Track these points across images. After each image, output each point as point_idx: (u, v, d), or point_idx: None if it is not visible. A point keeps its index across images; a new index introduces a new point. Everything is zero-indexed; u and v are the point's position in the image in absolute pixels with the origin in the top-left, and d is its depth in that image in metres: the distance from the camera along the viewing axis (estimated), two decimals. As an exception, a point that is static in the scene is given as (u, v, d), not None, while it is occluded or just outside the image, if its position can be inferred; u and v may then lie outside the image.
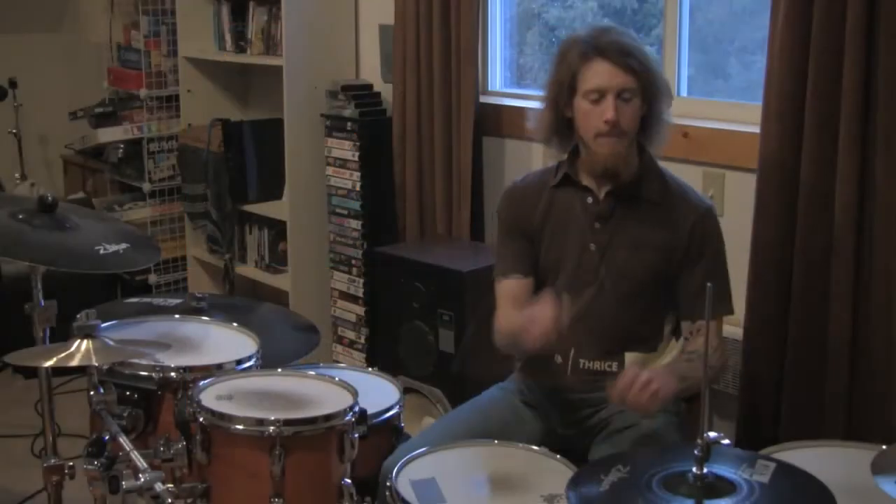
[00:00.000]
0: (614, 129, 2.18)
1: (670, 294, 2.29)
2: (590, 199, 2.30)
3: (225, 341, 2.45)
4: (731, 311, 2.33)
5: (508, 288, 2.35)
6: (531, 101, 3.50)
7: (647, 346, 2.29)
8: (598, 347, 2.28)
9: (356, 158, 3.79)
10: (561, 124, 2.29)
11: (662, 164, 2.35)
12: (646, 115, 2.24)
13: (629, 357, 2.27)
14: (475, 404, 2.40)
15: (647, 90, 2.22)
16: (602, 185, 2.29)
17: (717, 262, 2.28)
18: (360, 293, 3.86)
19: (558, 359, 2.31)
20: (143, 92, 4.59)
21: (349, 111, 3.81)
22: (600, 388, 2.20)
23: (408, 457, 2.07)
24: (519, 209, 2.39)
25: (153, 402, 2.21)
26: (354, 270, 3.88)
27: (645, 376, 1.99)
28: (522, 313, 2.10)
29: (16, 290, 2.75)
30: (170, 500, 1.87)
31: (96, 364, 1.96)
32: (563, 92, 2.24)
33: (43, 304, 2.25)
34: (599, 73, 2.18)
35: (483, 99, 3.61)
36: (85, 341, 1.97)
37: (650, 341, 2.30)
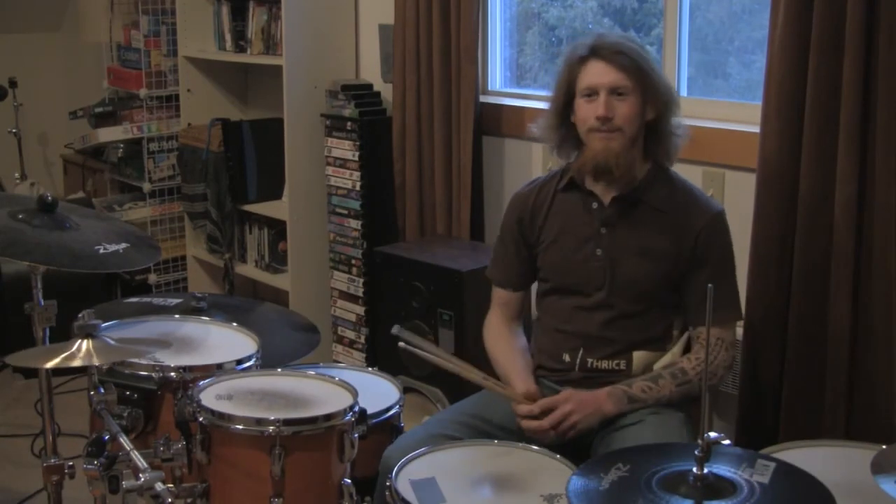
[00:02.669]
0: (606, 123, 2.22)
1: (678, 297, 2.29)
2: (595, 205, 2.31)
3: (225, 341, 2.45)
4: (740, 316, 2.36)
5: (499, 296, 2.51)
6: (531, 100, 3.50)
7: (656, 346, 2.30)
8: (607, 348, 2.29)
9: (356, 158, 3.79)
10: (565, 128, 2.33)
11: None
12: (651, 121, 2.27)
13: (637, 356, 2.28)
14: (478, 399, 2.40)
15: (646, 90, 2.25)
16: (608, 190, 2.30)
17: (723, 267, 2.29)
18: (360, 293, 3.86)
19: (566, 357, 2.32)
20: (142, 92, 4.59)
21: (349, 111, 3.81)
22: (606, 386, 2.23)
23: (407, 457, 2.07)
24: (521, 215, 2.42)
25: (153, 402, 2.21)
26: (354, 270, 3.88)
27: (569, 407, 2.17)
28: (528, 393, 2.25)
29: (16, 290, 2.75)
30: (170, 500, 1.87)
31: (96, 364, 1.96)
32: (564, 96, 2.31)
33: (43, 304, 2.24)
34: (593, 72, 2.26)
35: (483, 99, 3.61)
36: (85, 341, 1.96)
37: (659, 341, 2.31)
